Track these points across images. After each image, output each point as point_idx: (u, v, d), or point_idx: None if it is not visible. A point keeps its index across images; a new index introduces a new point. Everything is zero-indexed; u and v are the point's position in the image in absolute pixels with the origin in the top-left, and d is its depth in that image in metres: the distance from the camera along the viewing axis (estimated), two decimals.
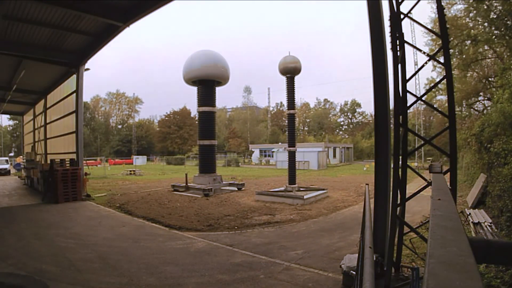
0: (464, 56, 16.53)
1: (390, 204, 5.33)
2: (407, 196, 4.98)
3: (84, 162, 15.95)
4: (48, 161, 18.17)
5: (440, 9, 4.79)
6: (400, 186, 4.96)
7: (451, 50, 10.89)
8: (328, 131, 65.04)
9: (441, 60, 4.89)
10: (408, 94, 4.96)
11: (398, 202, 4.96)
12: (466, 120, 16.37)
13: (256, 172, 32.12)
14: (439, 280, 0.89)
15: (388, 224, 5.33)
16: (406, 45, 4.94)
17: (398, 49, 4.89)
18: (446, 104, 4.92)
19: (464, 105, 19.18)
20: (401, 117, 4.93)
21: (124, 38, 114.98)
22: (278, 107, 71.77)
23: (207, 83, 17.09)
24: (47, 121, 22.01)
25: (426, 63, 5.15)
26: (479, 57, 16.70)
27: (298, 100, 67.60)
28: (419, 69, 5.58)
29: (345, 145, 51.29)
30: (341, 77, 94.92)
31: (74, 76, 16.70)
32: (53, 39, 13.97)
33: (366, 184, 5.04)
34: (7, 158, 36.52)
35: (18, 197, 15.82)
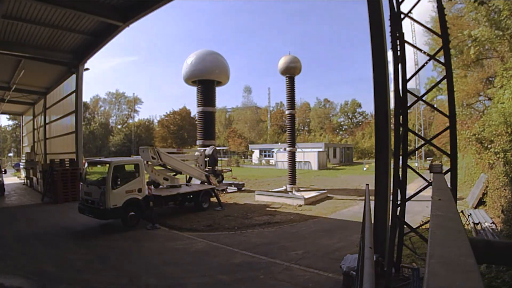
0: (464, 56, 16.50)
1: (390, 204, 5.32)
2: (407, 196, 4.98)
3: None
4: (48, 161, 18.17)
5: (440, 9, 4.78)
6: (400, 186, 4.95)
7: (452, 50, 10.86)
8: (328, 131, 65.04)
9: (442, 59, 4.89)
10: (408, 94, 4.96)
11: (398, 202, 4.96)
12: (467, 121, 16.32)
13: (256, 172, 32.10)
14: (439, 280, 0.88)
15: (388, 224, 5.33)
16: (406, 44, 4.93)
17: (398, 48, 4.89)
18: (447, 104, 4.91)
19: (465, 105, 19.15)
20: (401, 117, 4.92)
21: (124, 37, 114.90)
22: (278, 107, 71.80)
23: (207, 83, 17.07)
24: (47, 121, 22.00)
25: (426, 63, 5.15)
26: (480, 57, 16.68)
27: (298, 100, 67.53)
28: (419, 69, 5.58)
29: (345, 145, 51.33)
30: (342, 77, 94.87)
31: (74, 76, 16.69)
32: (53, 39, 13.98)
33: (367, 184, 5.03)
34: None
35: (17, 197, 15.81)
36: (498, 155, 9.38)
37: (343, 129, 70.19)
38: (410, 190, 5.20)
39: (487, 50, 16.46)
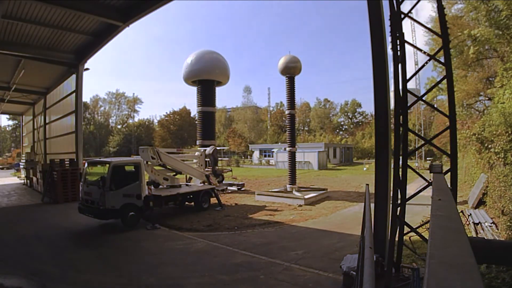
0: (464, 56, 16.51)
1: (390, 204, 5.32)
2: (407, 196, 4.97)
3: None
4: (48, 161, 18.17)
5: (440, 8, 4.78)
6: (400, 186, 4.95)
7: (452, 50, 10.89)
8: (328, 131, 65.01)
9: (442, 59, 4.89)
10: (408, 94, 4.96)
11: (398, 202, 4.95)
12: (467, 121, 16.32)
13: (256, 172, 32.10)
14: (439, 280, 0.88)
15: (388, 224, 5.33)
16: (406, 44, 4.93)
17: (398, 48, 4.89)
18: (447, 104, 4.91)
19: (465, 105, 19.16)
20: (401, 117, 4.92)
21: (124, 37, 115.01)
22: (278, 107, 71.78)
23: (207, 83, 17.06)
24: (47, 121, 22.01)
25: (426, 62, 5.14)
26: (480, 57, 16.68)
27: (298, 100, 67.49)
28: (419, 69, 5.58)
29: (345, 145, 51.33)
30: (342, 77, 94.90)
31: (74, 76, 16.69)
32: (53, 39, 13.98)
33: (367, 184, 5.03)
34: None
35: (17, 197, 15.81)
36: (498, 155, 9.39)
37: (343, 129, 70.16)
38: (410, 190, 5.20)
39: (487, 50, 16.47)
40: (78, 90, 16.55)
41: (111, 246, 7.82)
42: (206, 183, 12.75)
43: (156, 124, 66.47)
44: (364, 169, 32.27)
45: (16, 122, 53.88)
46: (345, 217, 10.89)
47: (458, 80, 17.67)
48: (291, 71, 15.21)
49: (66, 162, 15.40)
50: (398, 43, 4.88)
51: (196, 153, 14.01)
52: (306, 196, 13.33)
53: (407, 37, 4.90)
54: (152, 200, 9.83)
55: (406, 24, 5.05)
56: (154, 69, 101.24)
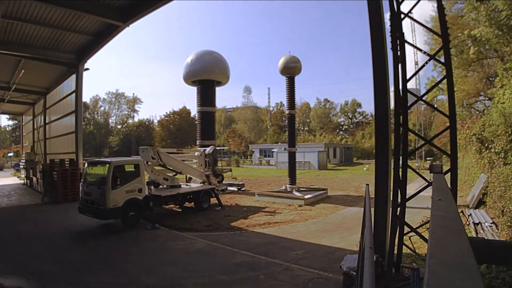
0: (464, 56, 16.51)
1: (390, 204, 5.32)
2: (407, 196, 4.97)
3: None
4: (48, 161, 18.17)
5: (440, 9, 4.78)
6: (400, 186, 4.95)
7: (452, 50, 10.89)
8: (328, 131, 64.92)
9: (442, 59, 4.89)
10: (408, 94, 4.96)
11: (399, 202, 4.95)
12: (467, 121, 16.33)
13: (256, 172, 32.07)
14: (439, 280, 0.88)
15: (388, 224, 5.33)
16: (406, 44, 4.93)
17: (398, 48, 4.89)
18: (447, 104, 4.91)
19: (465, 105, 19.17)
20: (401, 117, 4.92)
21: (124, 37, 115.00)
22: (278, 107, 71.72)
23: (207, 83, 17.05)
24: (47, 121, 22.01)
25: (426, 62, 5.15)
26: (480, 57, 16.69)
27: (298, 100, 67.37)
28: (419, 69, 5.58)
29: (345, 145, 51.30)
30: (342, 77, 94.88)
31: (74, 76, 16.69)
32: (53, 39, 13.99)
33: (367, 184, 5.02)
34: None
35: (17, 197, 15.80)
36: (498, 155, 9.39)
37: (343, 129, 70.07)
38: (410, 190, 5.19)
39: (487, 50, 16.47)
40: (78, 90, 16.56)
41: (111, 246, 7.82)
42: (206, 183, 12.75)
43: (156, 124, 66.42)
44: (364, 169, 32.25)
45: (16, 122, 53.85)
46: (345, 217, 10.89)
47: (458, 80, 17.67)
48: (291, 71, 15.20)
49: (66, 162, 15.39)
50: (398, 43, 4.88)
51: (196, 153, 14.01)
52: (306, 196, 13.32)
53: (407, 37, 4.90)
54: (152, 200, 9.82)
55: (406, 24, 5.05)
56: (154, 68, 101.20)
